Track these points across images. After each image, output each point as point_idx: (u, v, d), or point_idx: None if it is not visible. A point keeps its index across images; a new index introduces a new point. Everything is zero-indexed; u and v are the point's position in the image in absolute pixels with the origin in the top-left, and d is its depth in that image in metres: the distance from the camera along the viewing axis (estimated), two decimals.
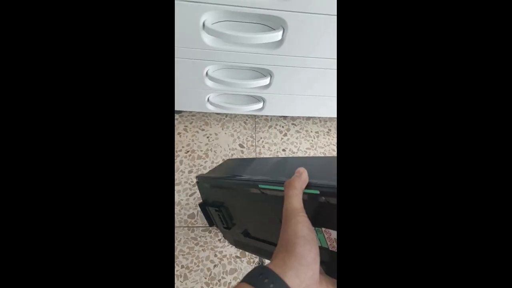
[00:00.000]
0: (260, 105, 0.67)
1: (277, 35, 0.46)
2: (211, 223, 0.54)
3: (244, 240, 0.48)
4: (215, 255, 0.60)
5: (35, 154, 0.21)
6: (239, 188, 0.40)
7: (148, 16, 0.22)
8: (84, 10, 0.21)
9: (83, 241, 0.22)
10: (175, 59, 0.50)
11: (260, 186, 0.34)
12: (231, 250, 0.61)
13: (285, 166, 0.40)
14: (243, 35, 0.44)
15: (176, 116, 0.74)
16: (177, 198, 0.64)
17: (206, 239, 0.61)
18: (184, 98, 0.64)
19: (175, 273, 0.57)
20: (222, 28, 0.44)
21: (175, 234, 0.61)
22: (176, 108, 0.70)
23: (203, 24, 0.44)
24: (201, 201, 0.53)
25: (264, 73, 0.57)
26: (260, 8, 0.41)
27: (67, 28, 0.21)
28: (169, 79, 0.23)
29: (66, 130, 0.22)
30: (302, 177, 0.28)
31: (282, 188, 0.28)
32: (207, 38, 0.46)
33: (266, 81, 0.57)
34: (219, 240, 0.61)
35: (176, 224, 0.62)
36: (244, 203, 0.41)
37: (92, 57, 0.22)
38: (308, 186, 0.28)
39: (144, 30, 0.22)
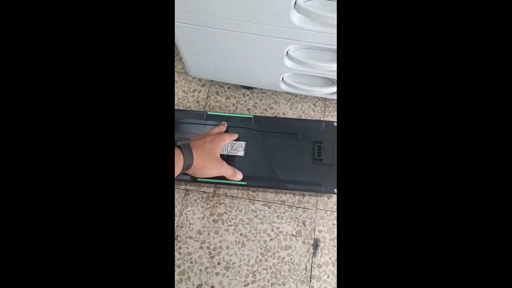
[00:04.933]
0: (333, 88, 0.65)
1: None
2: None
3: None
4: (272, 230, 0.63)
5: (31, 139, 0.21)
6: None
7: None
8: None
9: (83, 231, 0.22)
10: (260, 36, 0.50)
11: None
12: (288, 227, 0.63)
13: None
14: (333, 15, 0.43)
15: (247, 92, 0.76)
16: None
17: (265, 213, 0.64)
18: (259, 76, 0.65)
19: (234, 239, 0.62)
20: (313, 7, 0.43)
21: (237, 204, 0.65)
22: (249, 84, 0.72)
23: (295, 3, 0.43)
24: None
25: None
26: None
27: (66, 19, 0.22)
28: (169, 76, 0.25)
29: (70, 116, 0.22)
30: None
31: None
32: (296, 17, 0.46)
33: None
34: (277, 216, 0.64)
35: (239, 195, 0.65)
36: None
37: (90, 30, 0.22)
38: None
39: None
